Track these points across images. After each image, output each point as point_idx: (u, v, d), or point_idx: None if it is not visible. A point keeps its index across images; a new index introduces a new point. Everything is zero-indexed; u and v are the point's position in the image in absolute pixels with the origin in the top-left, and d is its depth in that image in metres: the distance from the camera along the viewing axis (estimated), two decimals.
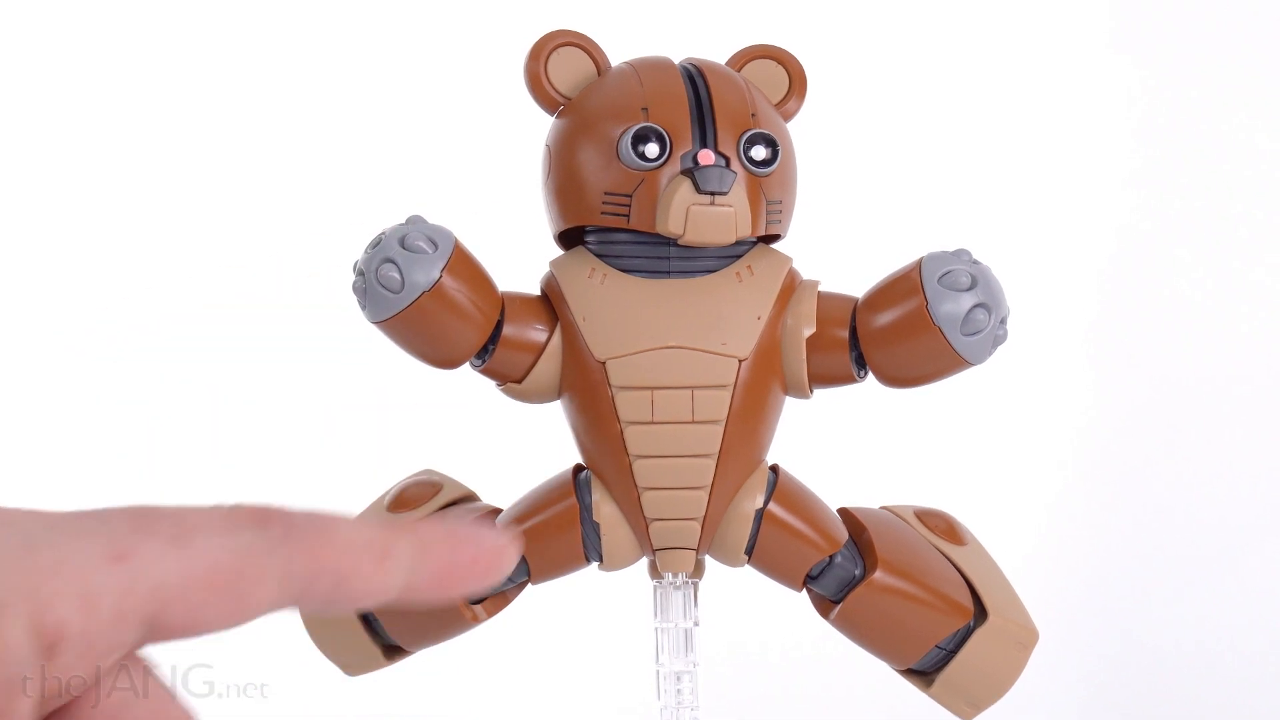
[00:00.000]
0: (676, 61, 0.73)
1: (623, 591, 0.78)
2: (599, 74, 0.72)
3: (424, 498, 0.75)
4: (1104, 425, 1.47)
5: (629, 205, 0.69)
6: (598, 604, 0.85)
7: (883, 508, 0.79)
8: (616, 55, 0.73)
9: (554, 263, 0.73)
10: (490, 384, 0.74)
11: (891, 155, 1.45)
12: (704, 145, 0.69)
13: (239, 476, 1.33)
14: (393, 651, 0.75)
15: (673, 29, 0.79)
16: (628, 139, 0.68)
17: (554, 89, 0.72)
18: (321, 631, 0.75)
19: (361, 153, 1.39)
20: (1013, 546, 1.41)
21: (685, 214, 0.68)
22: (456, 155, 1.38)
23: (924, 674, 0.79)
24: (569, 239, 0.73)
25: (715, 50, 0.75)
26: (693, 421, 0.70)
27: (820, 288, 0.74)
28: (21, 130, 1.38)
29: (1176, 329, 1.47)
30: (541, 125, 0.74)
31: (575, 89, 0.72)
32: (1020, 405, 1.43)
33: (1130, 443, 1.46)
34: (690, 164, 0.68)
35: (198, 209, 1.39)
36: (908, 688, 0.80)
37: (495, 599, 0.74)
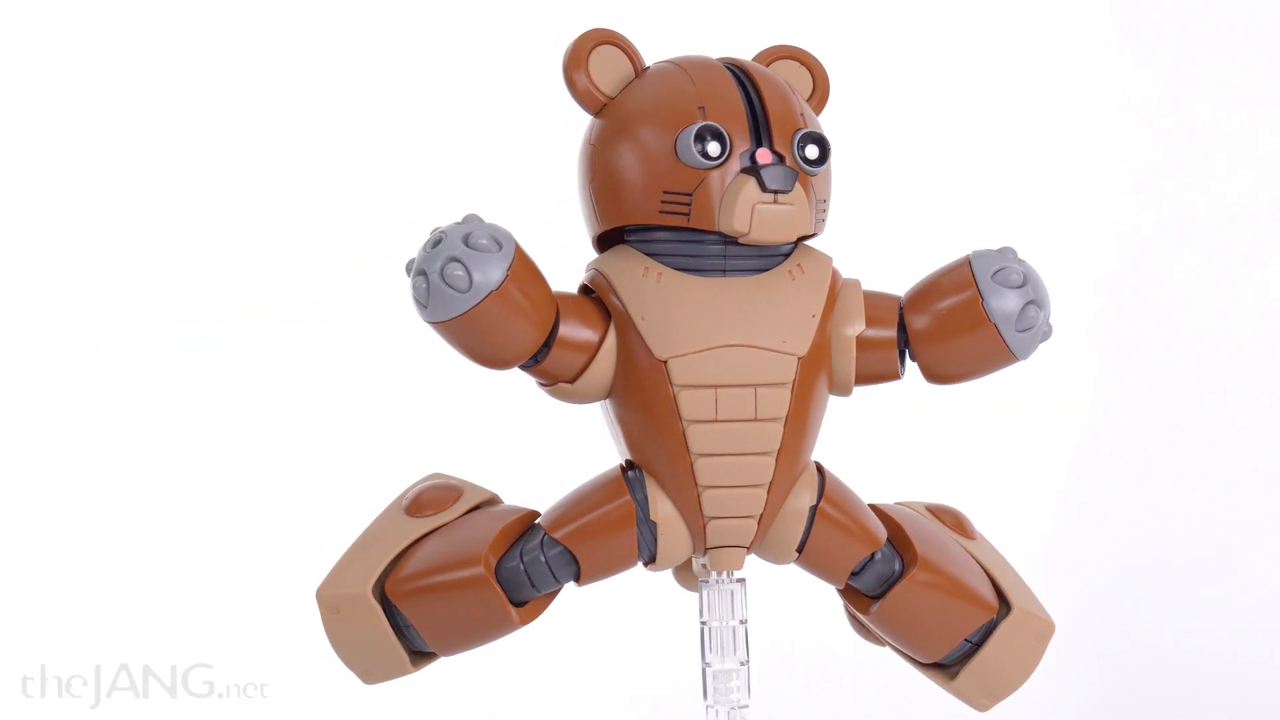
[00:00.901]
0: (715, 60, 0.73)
1: (618, 591, 0.78)
2: (635, 73, 0.72)
3: (446, 501, 0.74)
4: (1107, 425, 1.47)
5: (689, 204, 0.69)
6: (598, 604, 0.85)
7: (897, 504, 0.79)
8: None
9: (600, 262, 0.72)
10: (531, 383, 0.73)
11: (893, 155, 1.44)
12: (760, 144, 0.69)
13: (238, 477, 1.33)
14: (420, 657, 0.74)
15: (675, 28, 0.80)
16: (689, 138, 0.68)
17: (596, 88, 0.71)
18: (344, 636, 0.73)
19: (361, 153, 1.39)
20: (1014, 546, 1.41)
21: (750, 212, 0.68)
22: (455, 156, 1.38)
23: (945, 667, 0.80)
24: (606, 238, 0.73)
25: (724, 50, 0.75)
26: (755, 419, 0.70)
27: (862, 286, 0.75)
28: (21, 130, 1.38)
29: (1180, 328, 1.47)
30: (547, 124, 0.74)
31: (615, 88, 0.72)
32: (1023, 404, 1.43)
33: (1133, 442, 1.46)
34: (749, 163, 0.69)
35: (197, 209, 1.39)
36: (905, 671, 0.81)
37: (538, 602, 0.73)
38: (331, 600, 0.72)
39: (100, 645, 1.19)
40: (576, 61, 0.71)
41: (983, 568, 0.80)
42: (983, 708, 0.80)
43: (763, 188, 0.68)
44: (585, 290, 0.72)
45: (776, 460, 0.71)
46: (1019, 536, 1.42)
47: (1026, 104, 1.50)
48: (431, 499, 0.74)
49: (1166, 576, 1.41)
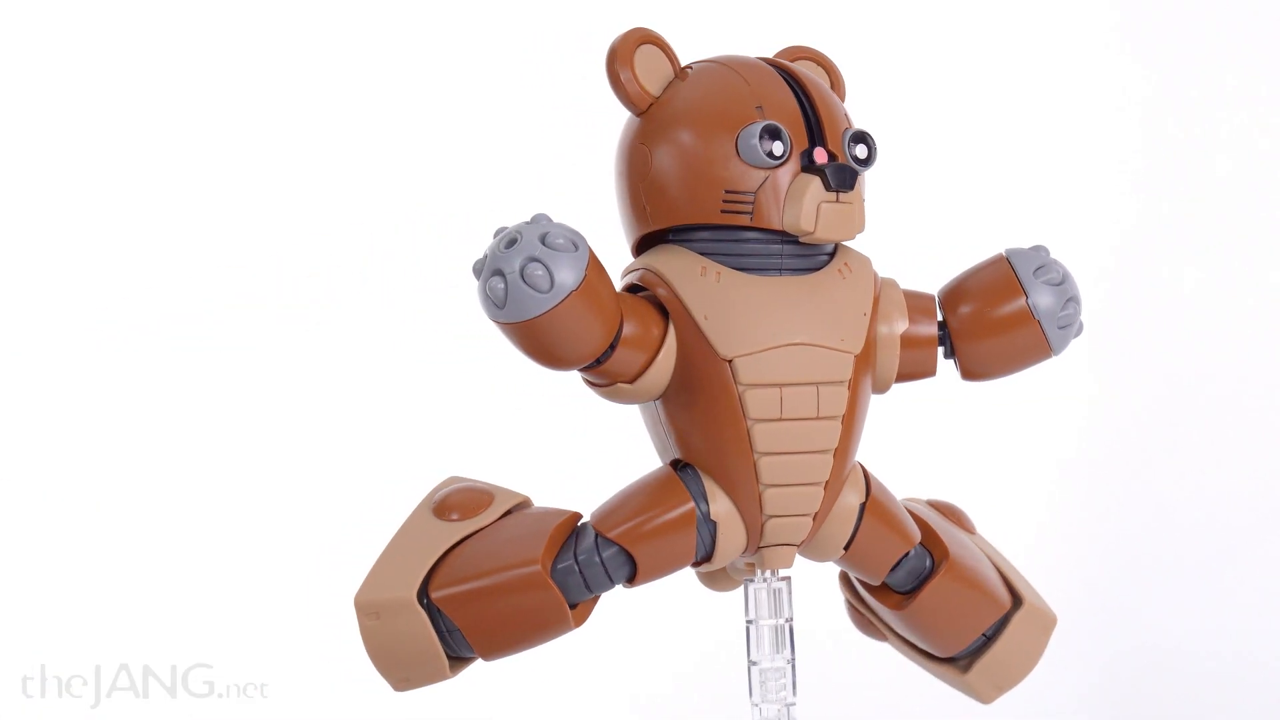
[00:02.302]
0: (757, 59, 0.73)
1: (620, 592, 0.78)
2: (675, 72, 0.72)
3: (479, 504, 0.73)
4: (1106, 424, 1.47)
5: (752, 203, 0.69)
6: (650, 602, 0.84)
7: (905, 500, 0.80)
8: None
9: (650, 261, 0.72)
10: (581, 383, 0.72)
11: (893, 155, 1.44)
12: (815, 144, 0.69)
13: (238, 477, 1.33)
14: (457, 662, 0.73)
15: (683, 27, 0.80)
16: (753, 137, 0.68)
17: (643, 88, 0.71)
18: (383, 643, 0.72)
19: (361, 153, 1.39)
20: (1014, 544, 1.41)
21: (816, 211, 0.68)
22: (455, 156, 1.38)
23: (955, 661, 0.81)
24: (645, 238, 0.73)
25: (729, 49, 0.75)
26: (817, 418, 0.71)
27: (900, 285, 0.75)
28: (22, 131, 1.38)
29: (1180, 328, 1.47)
30: (547, 124, 0.74)
31: (659, 87, 0.72)
32: (1023, 403, 1.43)
33: (1133, 441, 1.46)
34: (808, 162, 0.69)
35: (197, 209, 1.39)
36: (905, 671, 0.81)
37: (587, 604, 0.72)
38: (371, 606, 0.71)
39: (100, 645, 1.19)
40: (624, 60, 0.71)
41: (992, 562, 0.81)
42: (989, 700, 0.81)
43: (827, 186, 0.69)
44: (632, 289, 0.72)
45: (834, 458, 0.72)
46: (1019, 535, 1.42)
47: (1026, 104, 1.50)
48: (462, 502, 0.73)
49: (1166, 576, 1.41)
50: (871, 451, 0.75)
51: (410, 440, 1.30)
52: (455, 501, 0.73)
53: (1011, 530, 1.41)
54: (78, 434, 1.34)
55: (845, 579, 0.83)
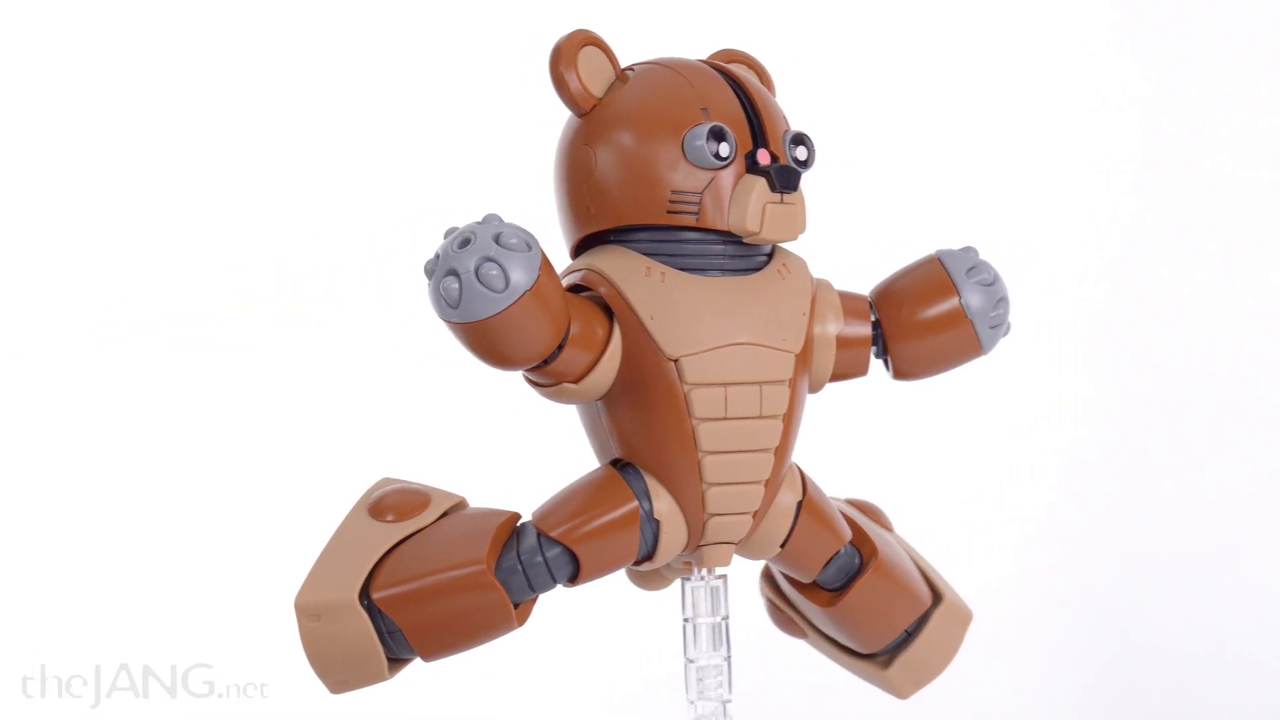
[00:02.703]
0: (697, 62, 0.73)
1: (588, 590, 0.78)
2: (616, 74, 0.72)
3: (416, 506, 0.73)
4: (1105, 423, 1.47)
5: (699, 204, 0.69)
6: (582, 602, 0.85)
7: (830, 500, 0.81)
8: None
9: (592, 261, 0.72)
10: (523, 385, 0.73)
11: (892, 155, 1.45)
12: (759, 145, 0.70)
13: (238, 477, 1.33)
14: (394, 664, 0.73)
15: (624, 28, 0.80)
16: (700, 138, 0.69)
17: (587, 89, 0.71)
18: (323, 645, 0.72)
19: (361, 153, 1.39)
20: (1014, 544, 1.41)
21: (762, 212, 0.69)
22: (456, 156, 1.38)
23: (875, 658, 0.82)
24: (584, 239, 0.73)
25: (660, 51, 0.75)
26: (760, 416, 0.71)
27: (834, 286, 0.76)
28: (21, 131, 1.38)
29: (1177, 327, 1.47)
30: (548, 124, 0.74)
31: (601, 89, 0.72)
32: (1021, 403, 1.43)
33: (1132, 441, 1.46)
34: (752, 163, 0.69)
35: (197, 209, 1.39)
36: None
37: (528, 604, 0.73)
38: (312, 608, 0.72)
39: (100, 645, 1.19)
40: (568, 62, 0.71)
41: (912, 559, 0.82)
42: (907, 695, 0.83)
43: (773, 188, 0.69)
44: (575, 289, 0.72)
45: (775, 456, 0.72)
46: (1019, 535, 1.43)
47: (1026, 103, 1.50)
48: (397, 504, 0.73)
49: (1165, 576, 1.41)
50: (871, 451, 0.75)
51: (411, 439, 1.30)
52: (390, 503, 0.73)
53: (1011, 530, 1.42)
54: (78, 434, 1.34)
55: (768, 578, 0.84)
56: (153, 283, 1.36)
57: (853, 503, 0.83)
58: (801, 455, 0.76)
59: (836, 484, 0.85)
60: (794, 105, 0.76)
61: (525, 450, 1.16)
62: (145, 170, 1.38)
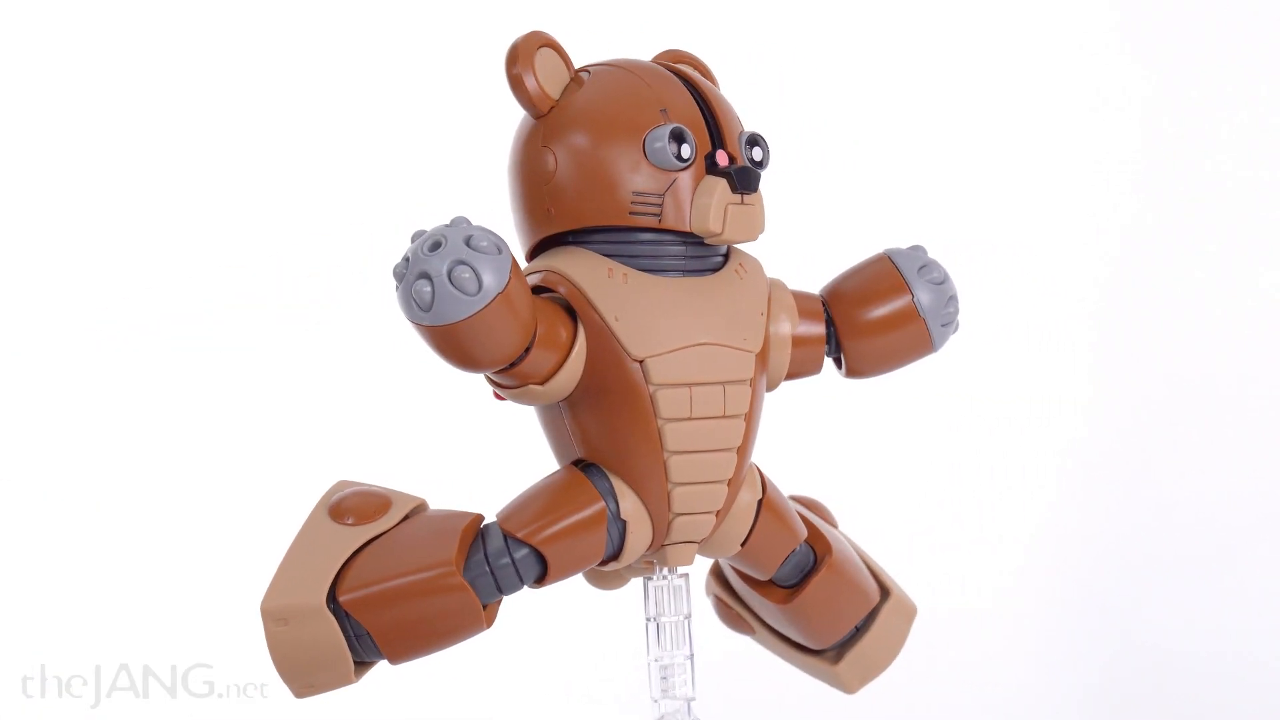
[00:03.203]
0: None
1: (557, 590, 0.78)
2: (570, 75, 0.72)
3: (377, 509, 0.73)
4: (1106, 423, 1.47)
5: (660, 205, 0.69)
6: (544, 602, 0.85)
7: None
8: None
9: (552, 263, 0.72)
10: (484, 386, 0.73)
11: (892, 155, 1.45)
12: (717, 146, 0.70)
13: (238, 477, 1.33)
14: (362, 667, 0.73)
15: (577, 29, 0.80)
16: (661, 140, 0.69)
17: (544, 91, 0.72)
18: (289, 649, 0.72)
19: (360, 153, 1.39)
20: (1013, 543, 1.41)
21: (724, 213, 0.69)
22: (456, 156, 1.38)
23: (823, 654, 0.83)
24: (541, 241, 0.73)
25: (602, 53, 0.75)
26: (724, 416, 0.72)
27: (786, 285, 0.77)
28: (21, 131, 1.38)
29: (1178, 326, 1.47)
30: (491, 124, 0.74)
31: (557, 91, 0.72)
32: (1021, 402, 1.43)
33: (1132, 441, 1.46)
34: (711, 164, 0.70)
35: (197, 209, 1.39)
36: (904, 672, 0.82)
37: (494, 605, 0.73)
38: (279, 612, 0.71)
39: (100, 645, 1.19)
40: (525, 64, 0.71)
41: (858, 554, 0.83)
42: (854, 690, 0.85)
43: (734, 188, 0.69)
44: (536, 291, 0.72)
45: (737, 455, 0.73)
46: (1019, 535, 1.43)
47: (1025, 103, 1.50)
48: (357, 506, 0.73)
49: (1165, 576, 1.41)
50: (874, 451, 0.75)
51: (411, 438, 1.30)
52: (350, 505, 0.73)
53: (1011, 530, 1.42)
54: (77, 434, 1.34)
55: (718, 575, 0.85)
56: (153, 283, 1.36)
57: (797, 499, 0.83)
58: (801, 456, 0.76)
59: (837, 484, 0.85)
60: (794, 104, 0.76)
61: (488, 451, 1.16)
62: (146, 172, 1.38)
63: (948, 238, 0.84)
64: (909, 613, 0.84)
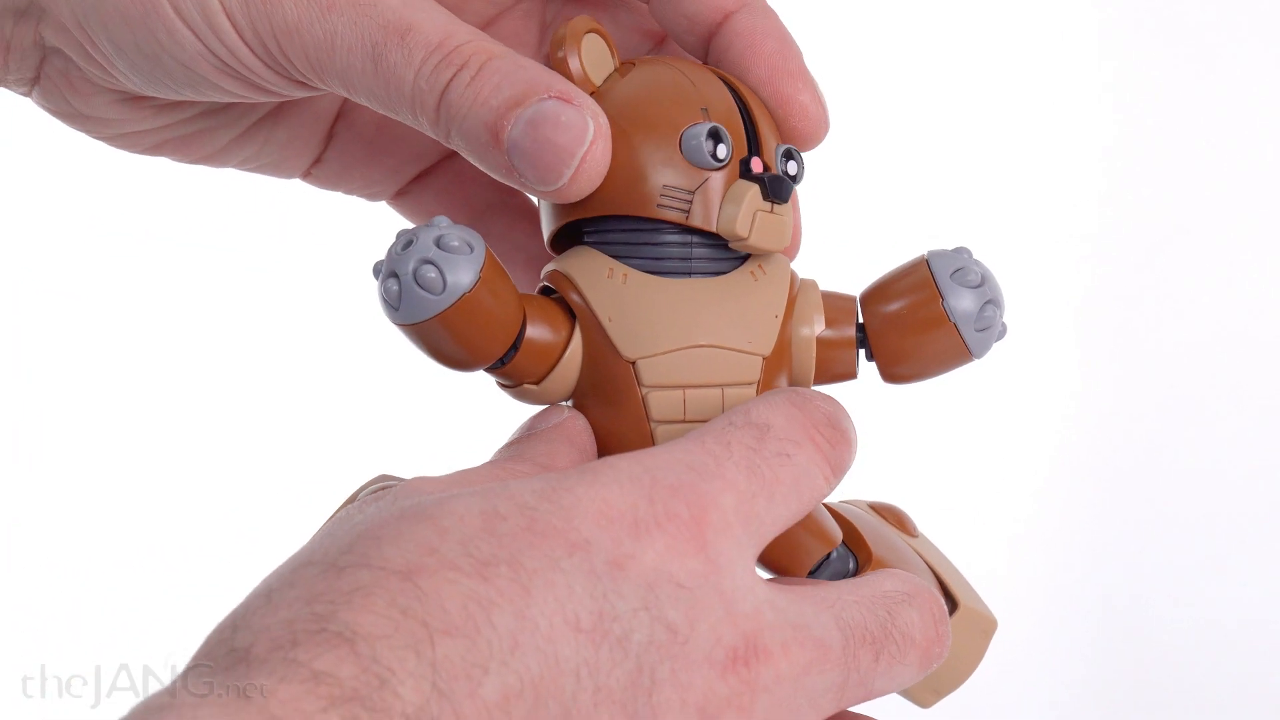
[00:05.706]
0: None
1: None
2: (615, 65, 0.73)
3: None
4: (1106, 423, 1.47)
5: (690, 202, 0.70)
6: None
7: (842, 502, 0.80)
8: None
9: (559, 262, 0.72)
10: (493, 384, 0.73)
11: (892, 154, 1.45)
12: (753, 153, 0.70)
13: (238, 477, 1.33)
14: None
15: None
16: (699, 137, 0.69)
17: (587, 75, 0.72)
18: None
19: None
20: (1013, 542, 1.42)
21: (753, 218, 0.69)
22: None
23: None
24: (561, 237, 0.73)
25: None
26: None
27: (820, 287, 0.76)
28: (21, 130, 1.38)
29: (1175, 327, 1.48)
30: None
31: (600, 78, 0.72)
32: (1021, 403, 1.44)
33: (1132, 438, 1.47)
34: (745, 170, 0.70)
35: (197, 209, 1.39)
36: None
37: None
38: None
39: (100, 645, 1.19)
40: (573, 45, 0.72)
41: (928, 565, 0.81)
42: (927, 704, 0.82)
43: (765, 195, 0.70)
44: (545, 291, 0.73)
45: None
46: (1019, 535, 1.43)
47: (1023, 103, 1.50)
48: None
49: (1166, 573, 1.41)
50: (871, 450, 0.75)
51: (412, 437, 1.30)
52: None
53: (1011, 530, 1.43)
54: (77, 434, 1.34)
55: None
56: (153, 283, 1.37)
57: (874, 506, 0.82)
58: None
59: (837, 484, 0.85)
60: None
61: (489, 451, 1.16)
62: (145, 171, 1.38)
63: (942, 238, 0.84)
64: (983, 626, 0.80)
